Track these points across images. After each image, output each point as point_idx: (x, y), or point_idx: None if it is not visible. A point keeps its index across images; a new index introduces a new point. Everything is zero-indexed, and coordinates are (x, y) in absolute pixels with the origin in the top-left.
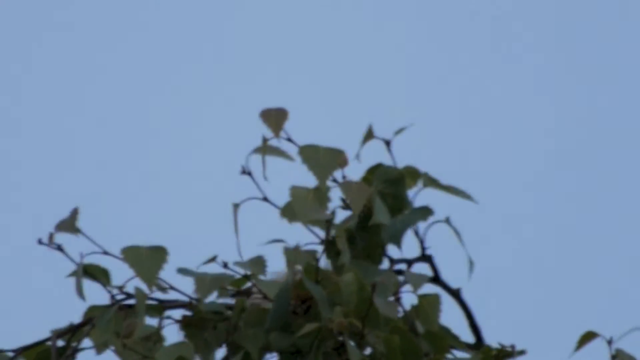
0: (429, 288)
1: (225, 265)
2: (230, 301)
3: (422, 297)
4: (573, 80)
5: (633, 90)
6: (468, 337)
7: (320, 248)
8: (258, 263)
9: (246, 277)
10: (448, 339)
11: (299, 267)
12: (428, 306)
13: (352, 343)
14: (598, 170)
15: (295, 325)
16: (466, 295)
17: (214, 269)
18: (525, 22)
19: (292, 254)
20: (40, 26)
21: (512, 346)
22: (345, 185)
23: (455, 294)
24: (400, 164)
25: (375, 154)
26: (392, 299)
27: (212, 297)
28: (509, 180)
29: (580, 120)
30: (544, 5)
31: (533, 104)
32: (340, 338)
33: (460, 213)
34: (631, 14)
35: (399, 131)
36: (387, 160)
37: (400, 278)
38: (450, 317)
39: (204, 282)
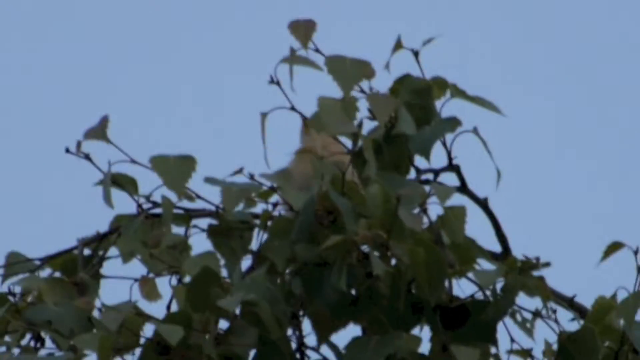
0: (456, 199)
1: (251, 177)
2: (258, 210)
3: (448, 209)
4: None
5: None
6: (495, 247)
7: (347, 158)
8: (285, 175)
9: (272, 189)
10: (474, 250)
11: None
12: (454, 217)
13: (376, 255)
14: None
15: (321, 237)
16: (493, 205)
17: (241, 178)
18: None
19: (319, 165)
20: None
21: (537, 258)
22: (372, 97)
23: (483, 203)
24: (430, 75)
25: (405, 65)
26: (418, 210)
27: (239, 208)
28: (533, 91)
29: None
30: None
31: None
32: (366, 250)
33: (487, 125)
34: None
35: (427, 41)
36: (416, 72)
37: (427, 188)
38: (478, 226)
39: (231, 193)
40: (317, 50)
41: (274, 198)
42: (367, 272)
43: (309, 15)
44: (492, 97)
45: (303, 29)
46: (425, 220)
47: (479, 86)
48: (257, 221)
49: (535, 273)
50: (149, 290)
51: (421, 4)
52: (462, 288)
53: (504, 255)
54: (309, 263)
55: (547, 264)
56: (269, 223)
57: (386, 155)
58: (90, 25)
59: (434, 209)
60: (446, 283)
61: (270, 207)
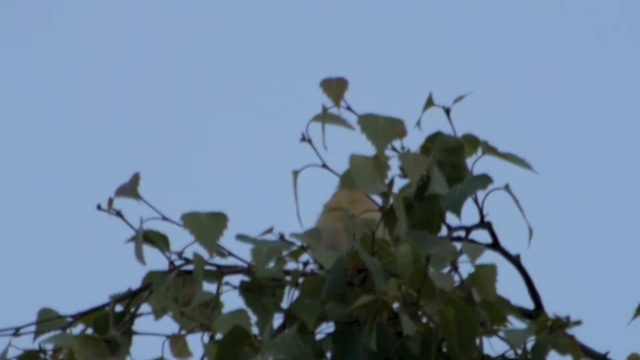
0: (487, 257)
1: (282, 237)
2: (289, 267)
3: (479, 267)
4: None
5: None
6: (528, 303)
7: (378, 216)
8: (314, 234)
9: (303, 248)
10: (505, 309)
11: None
12: (485, 276)
13: (406, 315)
14: None
15: (351, 296)
16: (526, 262)
17: (273, 238)
18: None
19: (350, 223)
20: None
21: (567, 317)
22: (404, 156)
23: (515, 260)
24: (461, 131)
25: (436, 122)
26: (448, 268)
27: (270, 266)
28: (569, 150)
29: None
30: None
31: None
32: (396, 309)
33: (519, 181)
34: None
35: (459, 99)
36: (447, 128)
37: (459, 246)
38: (510, 284)
39: (261, 252)
40: (349, 108)
41: (305, 257)
42: (397, 331)
43: (341, 73)
44: (525, 151)
45: (335, 87)
46: (456, 278)
47: (512, 139)
48: (289, 278)
49: (567, 331)
50: (180, 348)
51: (451, 60)
52: (493, 346)
53: (537, 312)
54: (339, 322)
55: (578, 323)
56: (300, 282)
57: (417, 213)
58: (124, 83)
59: (466, 267)
60: (477, 342)
61: (300, 266)
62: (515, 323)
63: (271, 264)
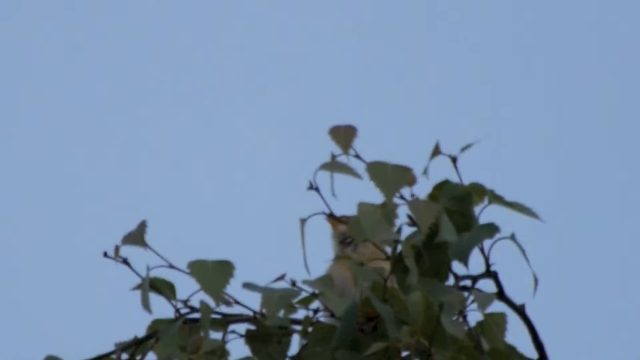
0: (495, 305)
1: (293, 284)
2: (296, 315)
3: (488, 315)
4: None
5: None
6: (532, 353)
7: (386, 264)
8: (326, 281)
9: (314, 295)
10: (514, 358)
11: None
12: (494, 324)
13: None
14: None
15: (362, 344)
16: (531, 312)
17: (281, 284)
18: None
19: (359, 271)
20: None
21: None
22: (413, 204)
23: (520, 310)
24: (467, 180)
25: (442, 170)
26: (458, 316)
27: (279, 314)
28: (576, 198)
29: None
30: None
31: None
32: (407, 356)
33: (526, 229)
34: None
35: (466, 147)
36: (453, 177)
37: (466, 294)
38: (515, 333)
39: (272, 300)
40: (357, 156)
41: (315, 304)
42: None
43: (349, 121)
44: (533, 198)
45: (343, 134)
46: (465, 326)
47: (521, 187)
48: (295, 327)
49: None
50: None
51: (459, 109)
52: None
53: None
54: None
55: None
56: (310, 329)
57: (426, 261)
58: (129, 138)
59: (473, 315)
60: None
61: (311, 313)
62: None
63: (281, 312)
